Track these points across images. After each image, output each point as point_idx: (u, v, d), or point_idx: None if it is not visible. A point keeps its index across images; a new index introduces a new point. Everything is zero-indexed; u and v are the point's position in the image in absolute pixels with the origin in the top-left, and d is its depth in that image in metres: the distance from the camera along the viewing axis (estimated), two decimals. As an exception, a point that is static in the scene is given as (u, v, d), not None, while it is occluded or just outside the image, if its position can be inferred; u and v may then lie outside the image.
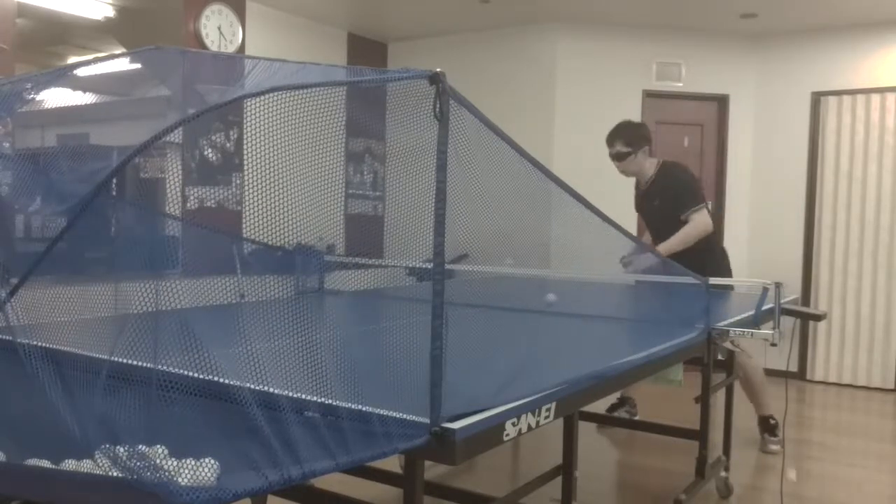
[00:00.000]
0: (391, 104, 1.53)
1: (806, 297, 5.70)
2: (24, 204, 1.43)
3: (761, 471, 3.62)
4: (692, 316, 2.55)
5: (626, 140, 3.86)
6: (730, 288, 3.73)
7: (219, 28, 5.03)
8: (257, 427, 1.20)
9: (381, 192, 6.08)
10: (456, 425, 1.28)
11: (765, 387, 3.90)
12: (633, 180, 4.09)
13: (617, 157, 3.89)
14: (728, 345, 2.71)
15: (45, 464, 1.14)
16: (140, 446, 1.13)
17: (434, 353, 1.29)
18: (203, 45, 4.91)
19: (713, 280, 2.73)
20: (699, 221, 3.74)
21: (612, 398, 4.36)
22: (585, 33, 5.74)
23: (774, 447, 3.85)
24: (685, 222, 3.75)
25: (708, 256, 3.74)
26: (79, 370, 1.27)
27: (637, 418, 4.27)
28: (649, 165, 3.90)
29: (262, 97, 1.29)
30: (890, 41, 5.44)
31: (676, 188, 3.80)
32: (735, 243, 5.88)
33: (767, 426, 3.92)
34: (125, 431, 1.17)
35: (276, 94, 1.29)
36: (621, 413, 4.31)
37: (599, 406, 4.24)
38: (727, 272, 3.86)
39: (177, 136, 1.19)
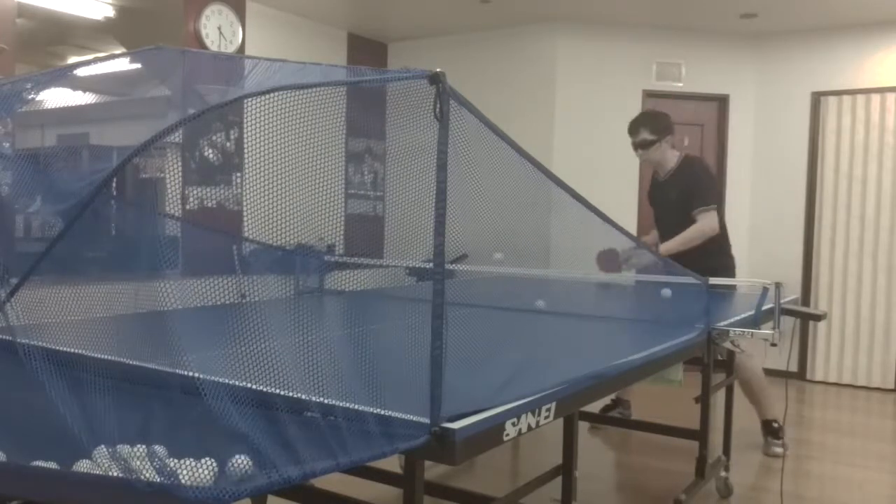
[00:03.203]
0: (391, 104, 1.54)
1: (806, 297, 5.70)
2: (24, 204, 1.43)
3: (761, 471, 3.62)
4: (692, 316, 2.55)
5: (652, 128, 3.80)
6: (732, 289, 3.70)
7: (219, 28, 5.03)
8: (258, 427, 1.20)
9: (381, 192, 6.08)
10: (456, 425, 1.28)
11: (766, 389, 3.87)
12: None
13: (642, 146, 3.81)
14: (728, 345, 2.71)
15: (45, 464, 1.14)
16: (139, 446, 1.13)
17: (434, 353, 1.29)
18: (203, 45, 4.91)
19: (713, 280, 2.73)
20: (705, 223, 3.69)
21: (606, 399, 4.35)
22: (585, 33, 5.74)
23: (778, 449, 3.81)
24: (693, 220, 3.71)
25: (716, 259, 3.72)
26: (78, 370, 1.27)
27: (634, 418, 4.26)
28: (671, 156, 3.86)
29: (263, 97, 1.29)
30: (890, 41, 5.44)
31: (692, 184, 3.75)
32: (735, 243, 5.85)
33: (770, 429, 3.88)
34: (124, 431, 1.17)
35: (276, 94, 1.29)
36: (615, 415, 4.30)
37: (593, 408, 4.24)
38: (731, 276, 3.83)
39: (177, 136, 1.20)
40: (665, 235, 3.87)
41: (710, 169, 3.93)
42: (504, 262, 3.03)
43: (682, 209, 3.76)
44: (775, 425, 3.87)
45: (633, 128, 3.88)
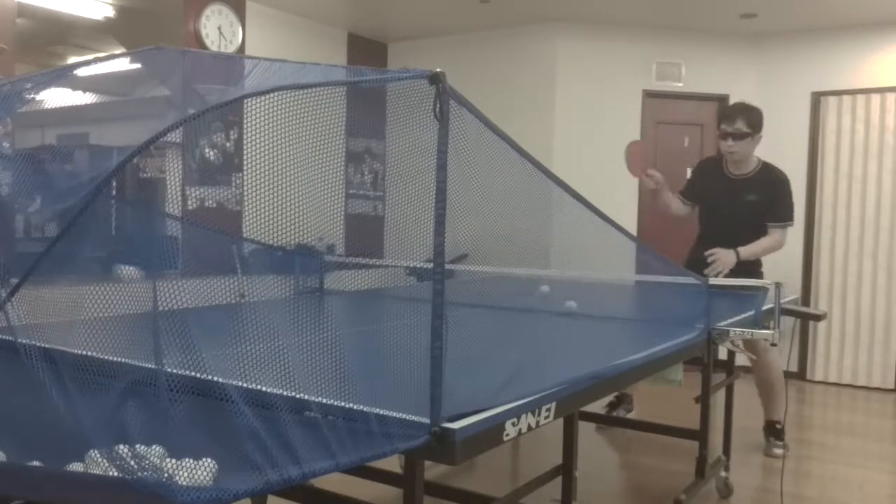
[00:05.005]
0: (391, 104, 1.54)
1: (806, 297, 5.70)
2: (24, 204, 1.43)
3: (761, 471, 3.62)
4: (692, 316, 2.55)
5: (749, 121, 3.72)
6: (757, 290, 3.70)
7: (219, 28, 5.03)
8: (257, 427, 1.20)
9: (381, 192, 6.08)
10: (456, 425, 1.28)
11: (782, 391, 3.89)
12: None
13: (736, 136, 3.71)
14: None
15: (45, 464, 1.14)
16: (139, 446, 1.13)
17: (434, 353, 1.29)
18: (203, 45, 4.91)
19: (713, 281, 2.73)
20: (781, 239, 3.76)
21: (610, 396, 4.36)
22: (585, 33, 5.74)
23: (779, 450, 3.83)
24: (764, 229, 3.72)
25: (753, 270, 3.75)
26: (78, 370, 1.27)
27: (634, 416, 4.27)
28: (754, 157, 3.83)
29: (263, 97, 1.29)
30: (890, 41, 5.44)
31: (781, 196, 3.75)
32: (735, 243, 5.89)
33: (773, 430, 3.90)
34: (124, 431, 1.17)
35: (276, 94, 1.29)
36: (619, 412, 4.30)
37: (596, 404, 4.24)
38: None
39: (177, 136, 1.20)
40: (714, 228, 3.84)
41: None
42: (506, 264, 3.03)
43: (756, 213, 3.73)
44: (779, 426, 3.89)
45: (730, 115, 3.76)
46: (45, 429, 1.27)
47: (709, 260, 3.57)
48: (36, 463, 1.13)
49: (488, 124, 1.55)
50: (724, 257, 3.51)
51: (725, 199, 3.84)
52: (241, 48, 5.20)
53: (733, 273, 3.54)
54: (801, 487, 3.38)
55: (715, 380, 2.96)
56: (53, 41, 4.44)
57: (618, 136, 5.77)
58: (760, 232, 3.73)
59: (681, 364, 2.80)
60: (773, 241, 3.73)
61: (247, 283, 1.81)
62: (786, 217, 3.75)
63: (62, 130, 3.10)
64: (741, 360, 3.49)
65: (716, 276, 3.47)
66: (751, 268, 3.70)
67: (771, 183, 3.77)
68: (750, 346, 3.58)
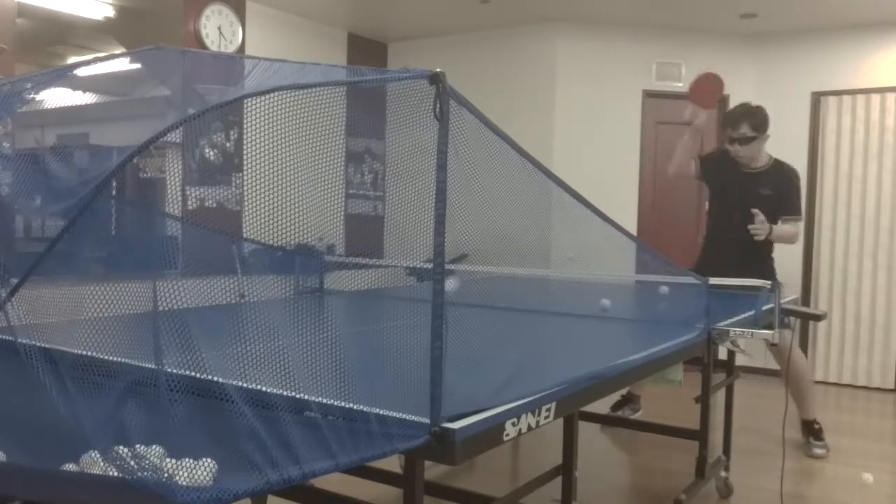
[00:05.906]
0: (391, 104, 1.54)
1: (806, 297, 5.70)
2: (24, 204, 1.43)
3: (761, 471, 3.62)
4: (692, 316, 2.55)
5: (753, 124, 3.76)
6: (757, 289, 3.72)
7: (219, 28, 5.03)
8: (257, 427, 1.20)
9: (381, 192, 6.09)
10: (456, 425, 1.28)
11: (811, 388, 3.95)
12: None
13: (742, 140, 3.77)
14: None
15: (45, 464, 1.14)
16: (138, 446, 1.13)
17: (434, 353, 1.29)
18: (203, 45, 4.91)
19: (713, 280, 2.73)
20: (797, 232, 3.90)
21: (616, 395, 4.36)
22: (585, 33, 5.74)
23: (820, 451, 3.85)
24: (774, 223, 3.76)
25: (766, 265, 3.87)
26: (78, 370, 1.27)
27: (638, 417, 4.27)
28: (764, 153, 3.90)
29: (263, 97, 1.29)
30: (890, 41, 5.44)
31: (792, 191, 3.86)
32: (735, 243, 5.87)
33: (812, 430, 3.92)
34: (124, 431, 1.17)
35: (276, 94, 1.29)
36: (625, 411, 4.30)
37: (603, 403, 4.24)
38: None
39: (177, 136, 1.20)
40: (726, 220, 3.89)
41: None
42: (506, 264, 3.03)
43: (770, 208, 3.76)
44: (816, 426, 3.91)
45: (734, 121, 3.80)
46: (46, 429, 1.27)
47: (755, 222, 3.60)
48: (36, 463, 1.13)
49: (488, 124, 1.55)
50: (764, 224, 3.58)
51: (740, 193, 3.87)
52: (241, 48, 5.20)
53: (749, 266, 3.54)
54: (801, 487, 3.38)
55: (715, 380, 2.95)
56: (53, 41, 4.44)
57: (618, 136, 5.78)
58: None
59: (681, 364, 2.80)
60: (794, 229, 3.84)
61: (247, 283, 1.81)
62: (797, 211, 3.87)
63: (62, 130, 3.09)
64: (741, 360, 3.49)
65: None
66: (762, 263, 3.77)
67: (784, 180, 3.85)
68: (775, 350, 3.63)
